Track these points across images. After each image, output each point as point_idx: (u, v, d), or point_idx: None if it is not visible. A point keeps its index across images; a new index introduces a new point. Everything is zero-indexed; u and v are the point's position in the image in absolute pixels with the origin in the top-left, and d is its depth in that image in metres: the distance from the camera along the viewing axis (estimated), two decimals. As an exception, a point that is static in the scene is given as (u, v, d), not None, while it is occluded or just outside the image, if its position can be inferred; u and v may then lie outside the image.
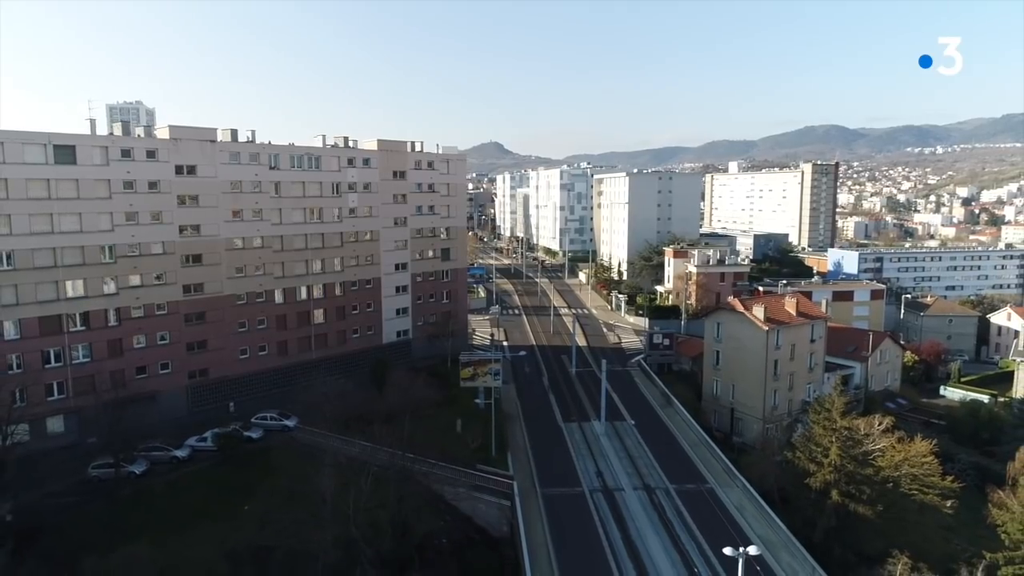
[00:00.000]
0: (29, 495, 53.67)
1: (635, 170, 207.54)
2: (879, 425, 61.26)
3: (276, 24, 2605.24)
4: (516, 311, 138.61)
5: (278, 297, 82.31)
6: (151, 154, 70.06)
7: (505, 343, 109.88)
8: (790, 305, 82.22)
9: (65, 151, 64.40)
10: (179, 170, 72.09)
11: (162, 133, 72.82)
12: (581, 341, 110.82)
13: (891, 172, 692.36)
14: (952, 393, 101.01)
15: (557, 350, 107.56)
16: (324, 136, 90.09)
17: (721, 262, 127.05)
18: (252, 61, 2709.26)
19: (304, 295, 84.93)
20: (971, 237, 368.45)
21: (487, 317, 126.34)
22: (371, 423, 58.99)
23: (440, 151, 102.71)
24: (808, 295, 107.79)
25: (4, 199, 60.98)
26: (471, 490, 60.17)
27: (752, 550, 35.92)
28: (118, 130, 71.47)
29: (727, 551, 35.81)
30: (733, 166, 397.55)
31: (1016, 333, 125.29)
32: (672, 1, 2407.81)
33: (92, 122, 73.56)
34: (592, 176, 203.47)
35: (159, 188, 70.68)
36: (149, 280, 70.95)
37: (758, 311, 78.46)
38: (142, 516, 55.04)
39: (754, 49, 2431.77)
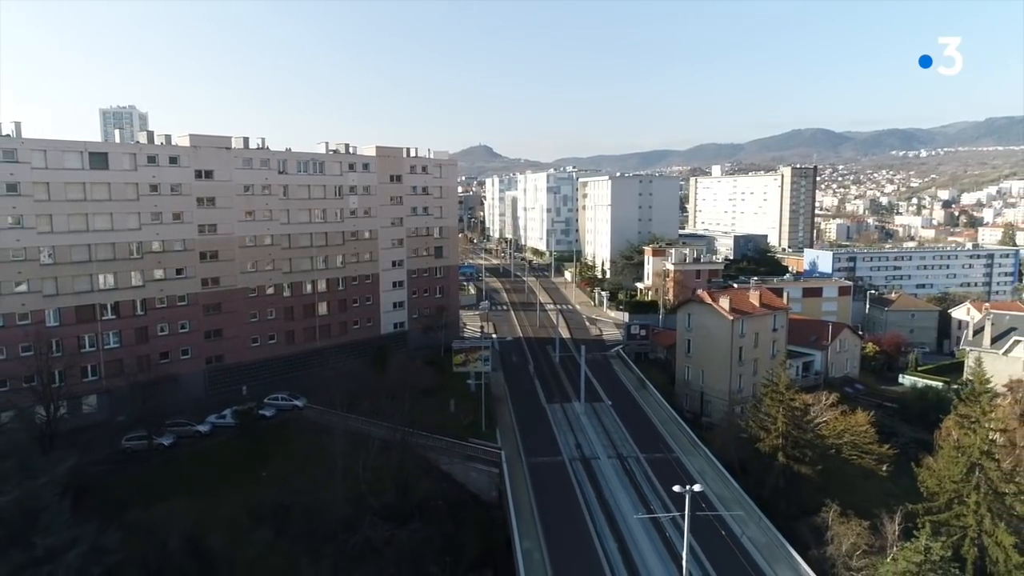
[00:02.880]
0: (75, 462, 60.65)
1: (618, 173, 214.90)
2: (825, 400, 69.65)
3: (264, 29, 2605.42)
4: (504, 307, 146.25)
5: (286, 291, 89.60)
6: (174, 160, 77.42)
7: (494, 335, 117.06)
8: (754, 297, 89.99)
9: (99, 157, 71.82)
10: (198, 174, 79.52)
11: (183, 141, 79.96)
12: (565, 333, 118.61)
13: (875, 175, 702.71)
14: (908, 380, 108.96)
15: (543, 341, 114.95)
16: (327, 143, 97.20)
17: (697, 260, 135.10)
18: (242, 65, 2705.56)
19: (309, 289, 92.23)
20: (949, 239, 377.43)
21: (477, 312, 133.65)
22: (375, 398, 66.23)
23: (431, 155, 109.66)
24: (779, 291, 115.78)
25: (46, 200, 68.29)
26: (464, 460, 67.58)
27: (696, 487, 43.35)
28: (142, 138, 78.63)
29: (676, 488, 43.30)
30: (716, 169, 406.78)
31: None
32: (661, 7, 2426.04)
33: (121, 132, 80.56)
34: (577, 180, 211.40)
35: (181, 191, 78.08)
36: (171, 274, 78.33)
37: (724, 303, 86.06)
38: (173, 480, 62.24)
39: (744, 54, 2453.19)
